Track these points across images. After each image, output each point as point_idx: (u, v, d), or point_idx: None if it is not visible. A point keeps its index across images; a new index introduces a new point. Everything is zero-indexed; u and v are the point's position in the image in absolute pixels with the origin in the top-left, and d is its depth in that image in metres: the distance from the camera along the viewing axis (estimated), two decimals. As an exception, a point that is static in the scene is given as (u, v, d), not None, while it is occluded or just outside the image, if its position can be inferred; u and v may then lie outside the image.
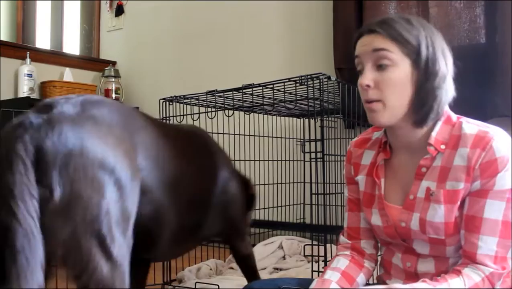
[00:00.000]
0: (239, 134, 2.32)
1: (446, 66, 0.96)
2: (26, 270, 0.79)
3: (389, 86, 0.94)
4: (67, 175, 0.85)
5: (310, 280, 1.13)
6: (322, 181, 1.69)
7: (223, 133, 2.27)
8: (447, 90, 0.97)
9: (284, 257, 2.27)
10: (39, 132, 0.85)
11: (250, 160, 2.36)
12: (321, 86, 1.64)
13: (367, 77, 0.95)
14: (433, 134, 0.97)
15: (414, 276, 1.03)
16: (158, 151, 1.13)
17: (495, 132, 0.92)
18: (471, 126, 0.95)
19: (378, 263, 1.17)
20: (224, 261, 2.25)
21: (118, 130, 0.98)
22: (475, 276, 0.91)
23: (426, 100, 0.95)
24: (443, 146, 0.96)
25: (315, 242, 1.77)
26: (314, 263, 1.66)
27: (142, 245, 1.05)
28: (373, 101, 0.95)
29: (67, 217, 0.85)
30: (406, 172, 1.02)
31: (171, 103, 2.01)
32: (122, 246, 0.92)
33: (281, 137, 2.50)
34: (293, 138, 2.52)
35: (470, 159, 0.92)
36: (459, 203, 0.94)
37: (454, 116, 0.99)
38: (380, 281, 1.13)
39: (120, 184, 0.92)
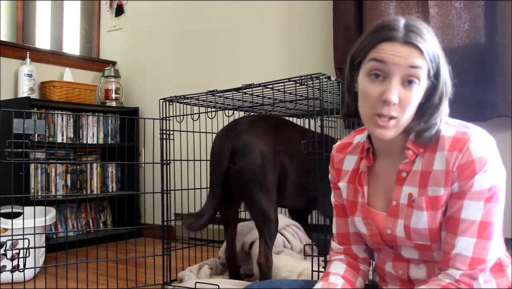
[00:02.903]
0: (239, 134, 2.32)
1: (449, 86, 0.94)
2: (211, 202, 1.75)
3: (410, 104, 0.89)
4: (243, 156, 1.71)
5: (310, 282, 1.13)
6: (321, 181, 1.69)
7: (223, 133, 2.27)
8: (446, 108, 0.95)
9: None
10: (233, 139, 1.74)
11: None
12: (321, 86, 1.64)
13: (394, 93, 0.88)
14: (411, 137, 0.95)
15: (408, 283, 1.02)
16: (288, 140, 1.85)
17: (472, 133, 0.90)
18: (449, 127, 0.93)
19: (373, 269, 1.16)
20: (224, 261, 2.25)
21: (268, 133, 1.80)
22: (444, 279, 0.90)
23: (432, 118, 0.92)
24: (421, 150, 0.94)
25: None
26: (314, 263, 1.66)
27: (279, 193, 1.81)
28: (387, 118, 0.89)
29: (242, 175, 1.70)
30: (388, 177, 1.01)
31: (171, 103, 2.01)
32: (272, 188, 1.74)
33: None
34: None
35: (448, 162, 0.90)
36: (442, 209, 0.92)
37: None
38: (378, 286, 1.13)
39: (266, 158, 1.72)
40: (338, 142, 1.15)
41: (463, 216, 0.89)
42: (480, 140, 0.89)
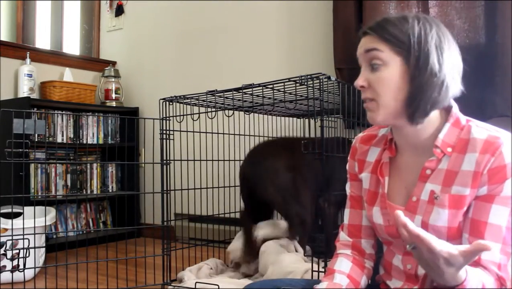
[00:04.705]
0: (239, 134, 2.33)
1: (438, 61, 0.91)
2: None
3: (381, 85, 0.94)
4: (273, 179, 2.06)
5: (312, 281, 1.13)
6: (322, 181, 1.69)
7: (223, 133, 2.28)
8: (442, 87, 0.92)
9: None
10: (261, 165, 2.08)
11: (250, 160, 2.36)
12: (321, 86, 1.64)
13: (360, 78, 0.97)
14: (441, 136, 0.95)
15: (414, 279, 1.02)
16: (299, 158, 1.99)
17: (505, 138, 0.91)
18: (480, 130, 0.93)
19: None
20: (224, 262, 2.25)
21: (288, 155, 2.06)
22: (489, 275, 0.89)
23: (415, 96, 0.92)
24: (449, 149, 0.95)
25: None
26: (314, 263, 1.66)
27: None
28: (367, 100, 0.97)
29: (274, 192, 2.04)
30: (410, 172, 1.01)
31: (171, 103, 2.02)
32: (305, 197, 2.02)
33: (281, 137, 2.50)
34: (293, 138, 2.51)
35: (479, 164, 0.90)
36: (464, 209, 0.92)
37: (463, 119, 0.97)
38: (380, 281, 1.13)
39: (284, 175, 2.02)
40: (361, 134, 1.16)
41: (490, 220, 0.90)
42: None
